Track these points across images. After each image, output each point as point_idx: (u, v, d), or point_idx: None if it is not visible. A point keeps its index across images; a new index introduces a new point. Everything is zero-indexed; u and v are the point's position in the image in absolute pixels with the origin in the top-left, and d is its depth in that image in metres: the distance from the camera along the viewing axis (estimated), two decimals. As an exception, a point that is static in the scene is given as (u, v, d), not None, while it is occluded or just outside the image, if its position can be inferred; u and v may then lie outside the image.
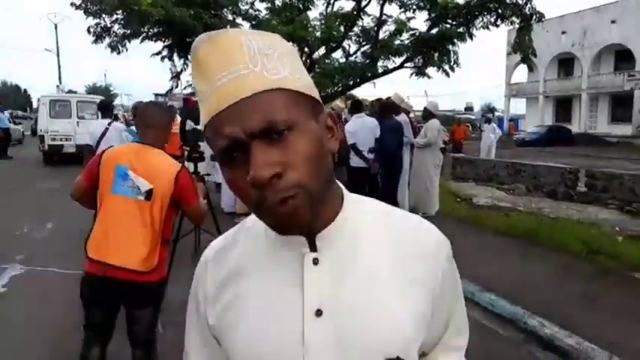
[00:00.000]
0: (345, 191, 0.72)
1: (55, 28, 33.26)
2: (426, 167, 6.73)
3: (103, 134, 5.04)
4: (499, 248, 5.58)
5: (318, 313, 0.65)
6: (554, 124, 32.40)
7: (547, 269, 4.80)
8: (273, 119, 0.59)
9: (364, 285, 0.67)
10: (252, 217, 0.74)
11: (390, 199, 5.71)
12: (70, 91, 25.45)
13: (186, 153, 4.59)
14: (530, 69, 15.18)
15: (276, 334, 0.66)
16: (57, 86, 33.29)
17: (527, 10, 11.74)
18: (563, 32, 32.10)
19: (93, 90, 70.56)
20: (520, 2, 11.65)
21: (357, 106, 6.11)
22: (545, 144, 24.81)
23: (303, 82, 0.64)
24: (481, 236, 6.04)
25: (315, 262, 0.67)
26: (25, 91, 70.69)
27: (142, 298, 2.24)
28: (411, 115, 8.10)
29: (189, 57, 15.98)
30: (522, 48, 12.32)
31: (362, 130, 5.89)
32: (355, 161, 6.10)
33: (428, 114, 6.83)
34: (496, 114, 35.84)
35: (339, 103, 6.39)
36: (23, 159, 15.43)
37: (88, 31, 13.02)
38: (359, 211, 0.71)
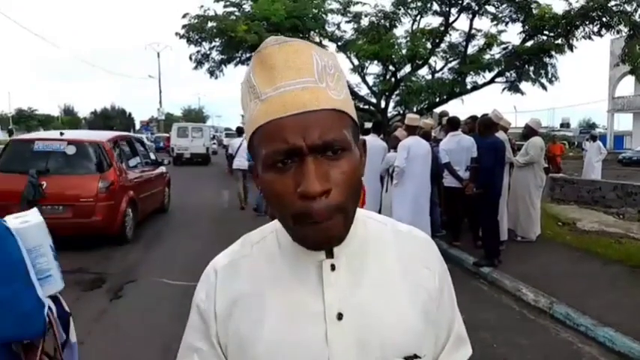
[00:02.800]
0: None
1: (158, 56, 36.50)
2: (528, 188, 6.31)
3: (239, 146, 9.48)
4: (612, 278, 5.04)
5: (340, 316, 0.68)
6: (667, 140, 29.07)
7: (674, 305, 4.24)
8: (333, 138, 0.62)
9: (378, 288, 0.71)
10: (259, 231, 0.78)
11: (490, 221, 5.41)
12: (168, 114, 29.56)
13: None
14: (641, 81, 13.85)
15: (300, 339, 0.68)
16: (158, 109, 36.51)
17: (636, 17, 10.76)
18: (678, 39, 28.90)
19: (187, 112, 76.29)
20: (629, 9, 10.71)
21: (453, 124, 5.94)
22: (658, 163, 22.31)
23: (352, 107, 0.69)
24: (590, 264, 5.51)
25: (333, 268, 0.70)
26: (130, 114, 78.12)
27: None
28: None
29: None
30: (632, 58, 11.27)
31: (457, 148, 5.71)
32: (449, 180, 5.91)
33: (530, 131, 6.44)
34: (597, 130, 32.96)
35: (427, 120, 6.25)
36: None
37: (190, 58, 14.19)
38: (365, 221, 0.76)
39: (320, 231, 0.63)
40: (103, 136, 7.07)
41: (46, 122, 66.31)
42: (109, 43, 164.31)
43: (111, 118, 65.20)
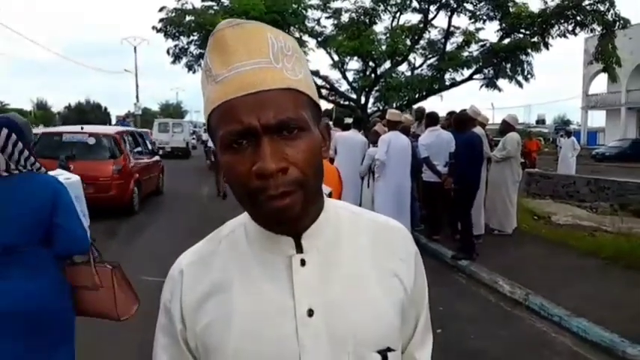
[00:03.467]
0: (325, 195, 0.74)
1: (135, 50, 35.84)
2: (505, 183, 6.42)
3: None
4: (586, 270, 5.18)
5: (310, 313, 0.67)
6: (638, 137, 29.97)
7: (644, 295, 4.38)
8: (288, 117, 0.62)
9: (349, 282, 0.70)
10: (229, 224, 0.76)
11: (464, 215, 5.50)
12: (145, 109, 29.45)
13: None
14: (614, 79, 14.19)
15: (270, 336, 0.66)
16: (134, 104, 35.87)
17: (609, 16, 11.03)
18: (648, 39, 29.79)
19: (165, 107, 75.09)
20: (602, 8, 10.97)
21: (432, 119, 6.00)
22: (628, 159, 22.96)
23: (313, 89, 0.68)
24: (565, 257, 5.64)
25: (303, 263, 0.68)
26: (106, 109, 76.53)
27: None
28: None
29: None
30: (605, 57, 11.57)
31: (436, 143, 5.76)
32: (428, 175, 5.97)
33: (507, 127, 6.56)
34: (572, 127, 33.75)
35: (407, 116, 6.30)
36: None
37: (168, 52, 13.97)
38: (337, 212, 0.74)
39: (278, 208, 0.62)
40: (115, 130, 9.24)
41: (18, 117, 64.33)
42: (85, 37, 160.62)
43: (86, 112, 63.67)
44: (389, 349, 0.70)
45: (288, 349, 0.66)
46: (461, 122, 5.52)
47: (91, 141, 7.92)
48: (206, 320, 0.69)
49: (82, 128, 8.55)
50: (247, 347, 0.66)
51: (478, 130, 5.83)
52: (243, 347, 0.67)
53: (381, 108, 13.92)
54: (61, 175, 2.42)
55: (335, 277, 0.69)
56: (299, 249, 0.69)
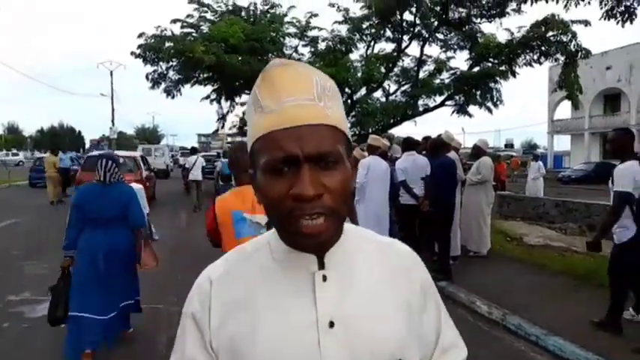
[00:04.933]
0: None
1: (111, 74, 35.55)
2: (480, 205, 6.63)
3: (195, 162, 12.69)
4: (558, 289, 5.35)
5: (331, 324, 0.72)
6: (601, 160, 31.22)
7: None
8: (327, 150, 0.69)
9: (365, 297, 0.76)
10: (254, 241, 0.83)
11: (442, 237, 5.64)
12: (120, 133, 30.21)
13: None
14: (576, 106, 14.91)
15: (294, 346, 0.71)
16: (110, 128, 35.32)
17: (572, 46, 11.69)
18: (608, 68, 31.45)
19: (142, 131, 74.20)
20: (565, 39, 11.62)
21: (409, 144, 6.18)
22: (593, 181, 23.83)
23: (346, 126, 0.76)
24: (538, 277, 5.82)
25: (324, 279, 0.75)
26: (80, 132, 75.03)
27: None
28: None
29: (235, 100, 16.77)
30: (568, 85, 12.19)
31: (413, 167, 5.93)
32: (405, 199, 6.11)
33: (479, 151, 6.80)
34: (539, 150, 34.87)
35: (384, 141, 6.48)
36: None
37: (147, 77, 13.98)
38: (352, 234, 0.81)
39: (310, 226, 0.68)
40: (136, 154, 14.49)
41: (-12, 141, 62.42)
42: (58, 60, 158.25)
43: (59, 136, 62.31)
44: None
45: (311, 358, 0.71)
46: (435, 147, 5.71)
47: (121, 160, 9.99)
48: (233, 331, 0.74)
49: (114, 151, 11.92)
50: (273, 356, 0.71)
51: (452, 154, 6.04)
52: (269, 356, 0.72)
53: (357, 133, 14.17)
54: (133, 184, 4.57)
55: (353, 294, 0.76)
56: (321, 265, 0.76)
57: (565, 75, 12.14)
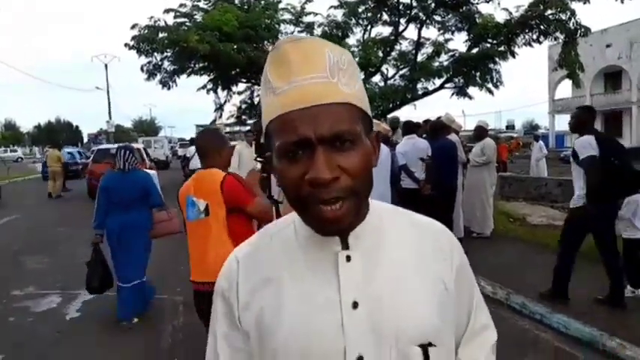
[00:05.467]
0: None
1: (106, 67, 35.27)
2: (484, 186, 6.60)
3: (194, 152, 11.36)
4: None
5: (355, 305, 0.71)
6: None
7: (618, 289, 4.55)
8: (341, 130, 0.65)
9: (392, 278, 0.73)
10: (279, 222, 0.82)
11: (445, 220, 5.61)
12: (118, 126, 31.05)
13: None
14: (577, 85, 14.78)
15: (318, 326, 0.70)
16: (107, 121, 35.22)
17: (571, 25, 11.53)
18: (608, 45, 31.17)
19: (139, 124, 74.02)
20: (563, 18, 11.46)
21: (408, 128, 6.13)
22: (595, 160, 23.74)
23: (366, 101, 0.72)
24: (541, 256, 5.80)
25: (348, 259, 0.72)
26: (77, 127, 74.86)
27: None
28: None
29: (232, 89, 16.65)
30: (568, 63, 12.06)
31: (413, 151, 5.89)
32: (406, 182, 6.07)
33: (482, 132, 6.76)
34: (540, 131, 34.75)
35: (385, 126, 6.42)
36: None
37: (142, 69, 13.87)
38: (382, 213, 0.78)
39: (329, 212, 0.66)
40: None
41: (-15, 138, 62.37)
42: (54, 56, 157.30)
43: (56, 131, 62.21)
44: (430, 344, 0.72)
45: (334, 338, 0.70)
46: (435, 129, 5.66)
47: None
48: (259, 308, 0.74)
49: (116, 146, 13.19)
50: (296, 335, 0.71)
51: (452, 136, 6.00)
52: (293, 335, 0.71)
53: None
54: (148, 170, 5.30)
55: (378, 275, 0.73)
56: (345, 246, 0.73)
57: (565, 54, 12.00)
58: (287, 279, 0.74)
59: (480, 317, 0.85)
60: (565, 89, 36.57)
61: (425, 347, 0.72)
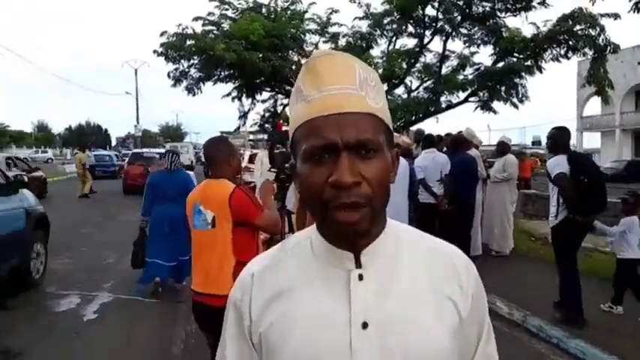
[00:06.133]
0: (387, 216, 0.79)
1: (135, 73, 36.25)
2: (504, 204, 6.49)
3: None
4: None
5: (364, 325, 0.70)
6: (633, 158, 30.19)
7: (641, 316, 4.40)
8: (367, 138, 0.69)
9: (404, 300, 0.73)
10: (297, 236, 0.84)
11: (463, 236, 5.53)
12: (145, 130, 32.09)
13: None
14: (606, 102, 14.42)
15: (326, 344, 0.70)
16: (135, 126, 36.09)
17: (600, 41, 11.29)
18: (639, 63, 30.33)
19: (166, 129, 75.56)
20: (592, 33, 11.23)
21: (428, 141, 6.09)
22: (624, 180, 23.06)
23: (389, 118, 0.76)
24: (562, 278, 5.66)
25: (360, 277, 0.73)
26: (106, 130, 76.91)
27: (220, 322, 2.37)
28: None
29: (256, 97, 16.86)
30: (597, 80, 11.79)
31: (432, 165, 5.85)
32: (424, 197, 6.03)
33: (505, 148, 6.66)
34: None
35: (405, 139, 6.40)
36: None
37: (168, 75, 14.20)
38: (398, 233, 0.79)
39: (347, 216, 0.68)
40: (167, 150, 15.97)
41: (19, 139, 64.55)
42: (86, 60, 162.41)
43: (86, 134, 64.07)
44: None
45: (342, 358, 0.70)
46: (456, 144, 5.61)
47: (157, 155, 13.12)
48: (270, 321, 0.75)
49: (149, 150, 14.94)
50: (304, 351, 0.71)
51: (473, 151, 5.93)
52: (301, 351, 0.72)
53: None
54: (187, 171, 5.88)
55: (390, 295, 0.73)
56: (358, 264, 0.74)
57: (594, 70, 11.72)
58: (298, 295, 0.75)
59: (487, 348, 0.84)
60: (594, 106, 35.70)
61: None
